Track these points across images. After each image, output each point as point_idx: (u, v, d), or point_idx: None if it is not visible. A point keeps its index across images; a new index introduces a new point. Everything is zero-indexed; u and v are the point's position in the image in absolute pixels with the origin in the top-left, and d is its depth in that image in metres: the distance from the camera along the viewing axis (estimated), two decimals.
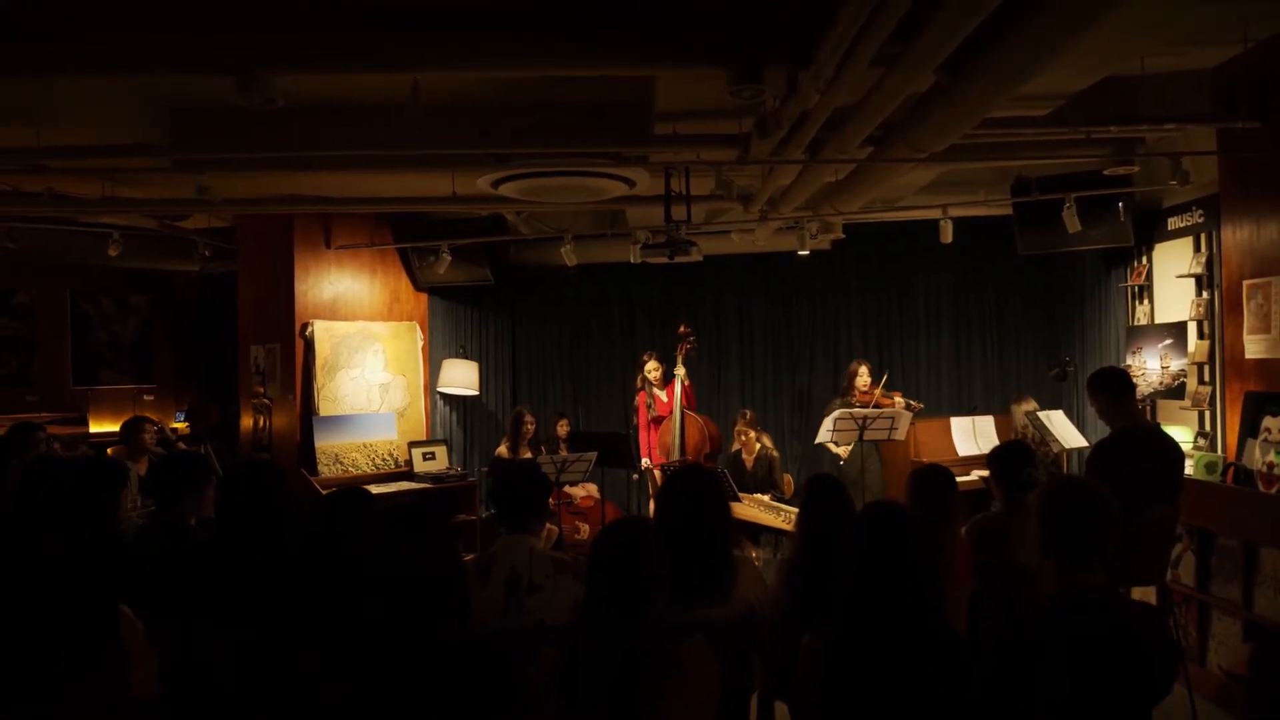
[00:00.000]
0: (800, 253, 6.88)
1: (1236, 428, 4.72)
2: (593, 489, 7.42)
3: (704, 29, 3.69)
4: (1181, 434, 5.36)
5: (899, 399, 6.84)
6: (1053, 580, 2.23)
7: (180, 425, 8.56)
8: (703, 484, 2.84)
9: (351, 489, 3.01)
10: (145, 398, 9.15)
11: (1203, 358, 5.38)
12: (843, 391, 7.06)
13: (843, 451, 6.88)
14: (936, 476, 3.47)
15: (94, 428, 8.69)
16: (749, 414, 6.84)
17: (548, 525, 6.63)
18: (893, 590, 2.15)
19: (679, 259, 5.99)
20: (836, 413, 6.29)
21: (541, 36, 3.75)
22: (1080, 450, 5.98)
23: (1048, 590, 2.24)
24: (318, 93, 4.72)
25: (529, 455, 6.84)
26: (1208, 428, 5.34)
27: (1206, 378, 5.38)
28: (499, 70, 4.05)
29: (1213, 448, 5.20)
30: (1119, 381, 3.99)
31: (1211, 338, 5.33)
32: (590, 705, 1.99)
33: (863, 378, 6.92)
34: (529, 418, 7.01)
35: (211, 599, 2.82)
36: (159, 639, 2.82)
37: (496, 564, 2.90)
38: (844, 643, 2.19)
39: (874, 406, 6.63)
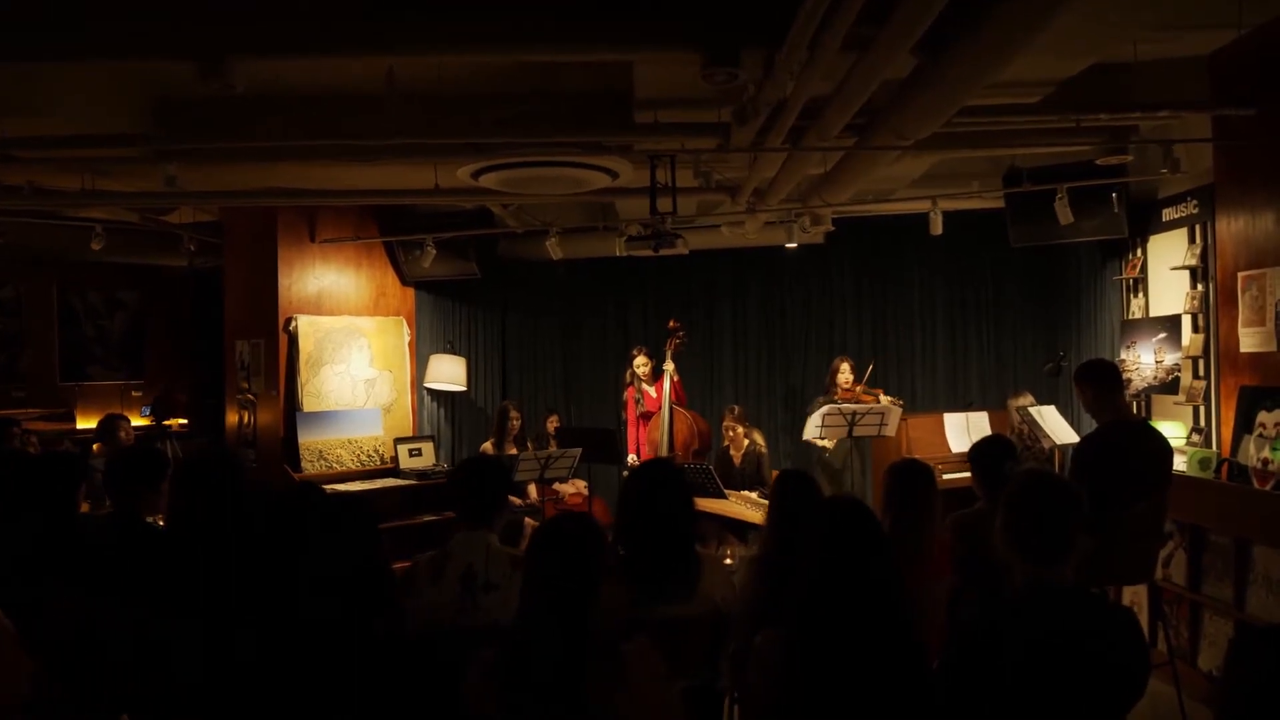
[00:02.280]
0: (788, 245, 6.78)
1: (1231, 423, 4.61)
2: (582, 485, 7.33)
3: (676, 11, 3.60)
4: (1176, 429, 5.25)
5: (883, 396, 6.73)
6: (1018, 575, 2.13)
7: (145, 420, 8.44)
8: (664, 478, 2.75)
9: (301, 485, 2.92)
10: (133, 393, 9.10)
11: (1197, 351, 5.26)
12: (825, 389, 6.96)
13: (828, 443, 6.77)
14: (914, 471, 3.37)
15: (81, 424, 8.63)
16: (737, 410, 6.73)
17: (532, 523, 6.54)
18: (851, 588, 2.05)
19: (664, 251, 5.89)
20: (825, 408, 6.18)
21: (512, 20, 3.66)
22: (1072, 446, 5.86)
23: (1014, 585, 2.14)
24: (296, 83, 4.65)
25: (515, 451, 6.74)
26: (1202, 423, 5.22)
27: (1201, 372, 5.26)
28: (469, 54, 3.97)
29: (1207, 443, 5.08)
30: (1106, 373, 3.88)
31: (1206, 331, 5.22)
32: (527, 708, 1.90)
33: (844, 374, 6.82)
34: (514, 413, 6.92)
35: (161, 592, 2.76)
36: (119, 631, 2.77)
37: (452, 561, 2.81)
38: (799, 641, 2.09)
39: (855, 403, 6.53)
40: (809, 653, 2.10)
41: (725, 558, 4.40)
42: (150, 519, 3.39)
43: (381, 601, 1.96)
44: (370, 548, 1.99)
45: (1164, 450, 3.83)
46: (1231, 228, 4.76)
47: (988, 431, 6.86)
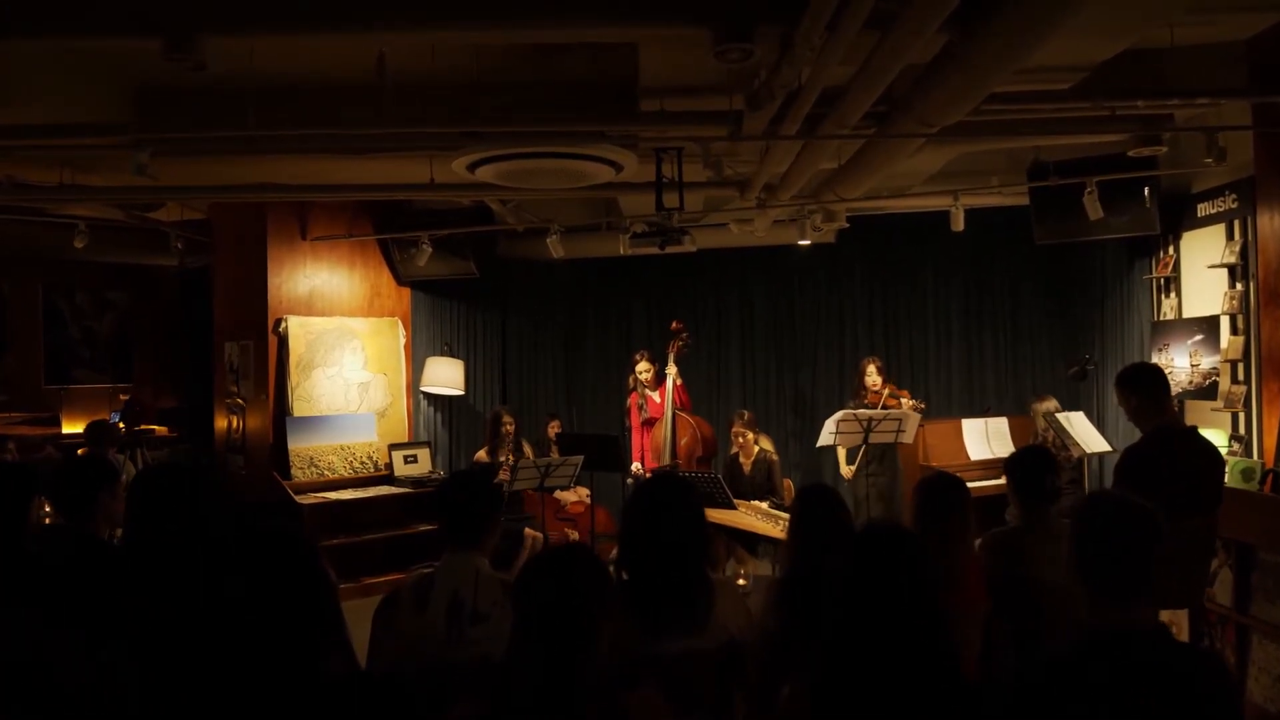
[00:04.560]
0: (800, 242, 6.48)
1: (1275, 430, 4.33)
2: (584, 493, 7.04)
3: None
4: (1214, 437, 4.95)
5: (906, 399, 6.42)
6: (1086, 614, 1.83)
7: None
8: (671, 495, 2.45)
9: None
10: (121, 397, 8.82)
11: (1237, 354, 4.97)
12: (854, 392, 6.63)
13: (846, 471, 6.48)
14: (946, 486, 3.08)
15: (67, 428, 8.36)
16: (747, 415, 6.43)
17: (533, 533, 6.26)
18: (887, 632, 1.75)
19: (670, 249, 5.64)
20: (839, 414, 5.89)
21: None
22: (1102, 455, 5.57)
23: (1081, 625, 1.85)
24: (283, 70, 4.39)
25: (510, 458, 6.45)
26: (1243, 430, 4.94)
27: (1241, 376, 4.98)
28: (458, 33, 3.68)
29: (1248, 453, 4.80)
30: (1153, 379, 3.57)
31: (1246, 333, 4.93)
32: None
33: (871, 376, 6.47)
34: (507, 418, 6.61)
35: (106, 614, 2.50)
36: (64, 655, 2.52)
37: (437, 587, 2.52)
38: (827, 692, 1.79)
39: (882, 407, 6.23)
40: (838, 704, 1.81)
41: (738, 578, 4.11)
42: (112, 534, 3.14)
43: (322, 642, 1.69)
44: (304, 584, 1.71)
45: (1216, 461, 3.54)
46: (1275, 223, 4.48)
47: (1008, 438, 6.58)
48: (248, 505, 3.34)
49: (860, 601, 1.79)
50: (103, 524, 2.99)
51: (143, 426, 7.43)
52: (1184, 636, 4.33)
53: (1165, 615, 4.40)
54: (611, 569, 2.12)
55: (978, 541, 3.34)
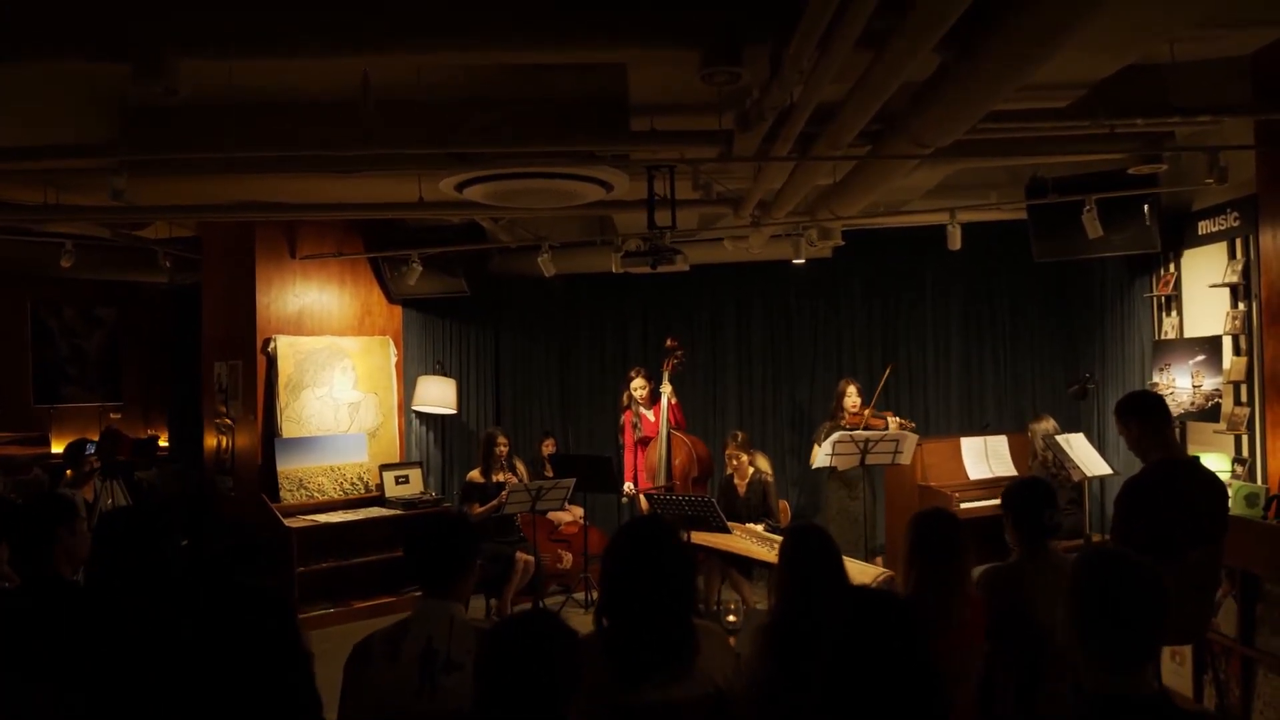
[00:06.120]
0: (796, 261, 6.39)
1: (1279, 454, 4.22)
2: (578, 513, 6.93)
3: (671, 3, 3.23)
4: (1217, 461, 4.86)
5: (892, 419, 6.34)
6: (1083, 677, 1.73)
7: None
8: (654, 540, 2.35)
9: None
10: (112, 415, 8.72)
11: (1240, 376, 4.87)
12: (831, 413, 6.59)
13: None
14: (940, 522, 2.96)
15: (56, 448, 8.27)
16: (740, 435, 6.33)
17: (524, 556, 6.15)
18: (877, 710, 1.64)
19: (663, 268, 5.54)
20: (836, 436, 5.79)
21: (495, 15, 3.31)
22: (1103, 479, 5.46)
23: (1077, 689, 1.74)
24: (266, 88, 4.30)
25: (502, 479, 6.35)
26: (1246, 454, 4.82)
27: (1244, 398, 4.87)
28: (439, 54, 3.59)
29: (1251, 477, 4.69)
30: (1154, 409, 3.47)
31: (1250, 354, 4.83)
32: None
33: (851, 398, 6.44)
34: (501, 439, 6.52)
35: (65, 663, 2.40)
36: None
37: (410, 636, 2.42)
38: None
39: (864, 429, 6.15)
40: None
41: (729, 613, 4.00)
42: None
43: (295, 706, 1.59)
44: (278, 655, 1.61)
45: (1219, 492, 3.44)
46: (1278, 241, 4.38)
47: (1007, 457, 6.48)
48: (229, 544, 3.19)
49: (852, 679, 1.68)
50: (64, 563, 2.88)
51: (122, 458, 7.30)
52: (1188, 670, 4.22)
53: (1165, 651, 4.30)
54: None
55: (976, 571, 3.24)
